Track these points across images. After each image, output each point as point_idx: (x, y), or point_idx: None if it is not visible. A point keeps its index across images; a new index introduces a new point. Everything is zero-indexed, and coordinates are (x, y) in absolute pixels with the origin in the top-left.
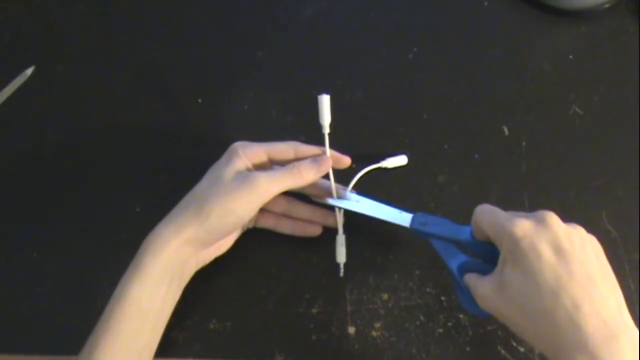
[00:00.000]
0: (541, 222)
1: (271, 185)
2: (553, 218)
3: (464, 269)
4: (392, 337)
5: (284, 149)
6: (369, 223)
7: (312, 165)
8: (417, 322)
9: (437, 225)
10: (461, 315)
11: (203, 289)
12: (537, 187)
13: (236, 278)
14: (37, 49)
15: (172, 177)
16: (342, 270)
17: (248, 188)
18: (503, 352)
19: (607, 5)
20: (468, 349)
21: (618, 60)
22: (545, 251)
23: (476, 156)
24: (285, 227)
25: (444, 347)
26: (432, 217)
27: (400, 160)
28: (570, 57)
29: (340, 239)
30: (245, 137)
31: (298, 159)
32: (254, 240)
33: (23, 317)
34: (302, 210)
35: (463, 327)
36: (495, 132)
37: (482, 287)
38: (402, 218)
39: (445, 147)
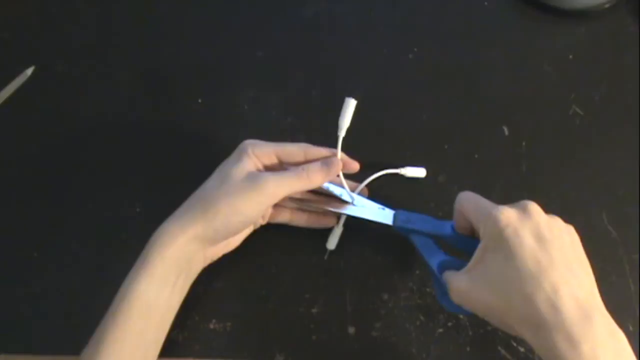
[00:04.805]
0: (524, 211)
1: (279, 188)
2: (535, 207)
3: (443, 267)
4: (392, 337)
5: (294, 151)
6: (370, 223)
7: (321, 169)
8: (417, 322)
9: (419, 222)
10: (461, 315)
11: (203, 289)
12: (537, 187)
13: (236, 278)
14: (37, 49)
15: (172, 177)
16: (327, 255)
17: (256, 189)
18: (503, 352)
19: (607, 5)
20: (468, 349)
21: (618, 60)
22: (528, 238)
23: (476, 156)
24: (300, 220)
25: (444, 347)
26: (414, 214)
27: (419, 172)
28: (570, 57)
29: (338, 231)
30: (245, 137)
31: (308, 162)
32: (253, 240)
33: (23, 317)
34: (317, 204)
35: (463, 327)
36: (495, 132)
37: (456, 280)
38: (384, 215)
39: (445, 147)
